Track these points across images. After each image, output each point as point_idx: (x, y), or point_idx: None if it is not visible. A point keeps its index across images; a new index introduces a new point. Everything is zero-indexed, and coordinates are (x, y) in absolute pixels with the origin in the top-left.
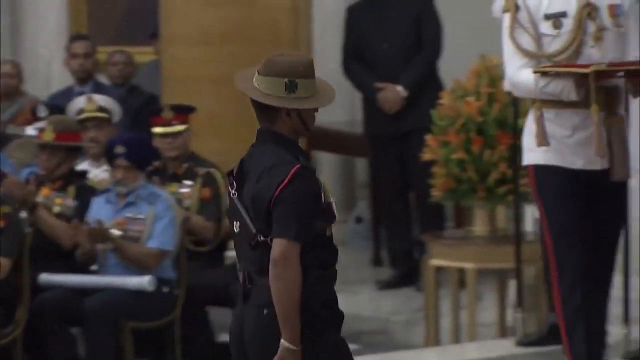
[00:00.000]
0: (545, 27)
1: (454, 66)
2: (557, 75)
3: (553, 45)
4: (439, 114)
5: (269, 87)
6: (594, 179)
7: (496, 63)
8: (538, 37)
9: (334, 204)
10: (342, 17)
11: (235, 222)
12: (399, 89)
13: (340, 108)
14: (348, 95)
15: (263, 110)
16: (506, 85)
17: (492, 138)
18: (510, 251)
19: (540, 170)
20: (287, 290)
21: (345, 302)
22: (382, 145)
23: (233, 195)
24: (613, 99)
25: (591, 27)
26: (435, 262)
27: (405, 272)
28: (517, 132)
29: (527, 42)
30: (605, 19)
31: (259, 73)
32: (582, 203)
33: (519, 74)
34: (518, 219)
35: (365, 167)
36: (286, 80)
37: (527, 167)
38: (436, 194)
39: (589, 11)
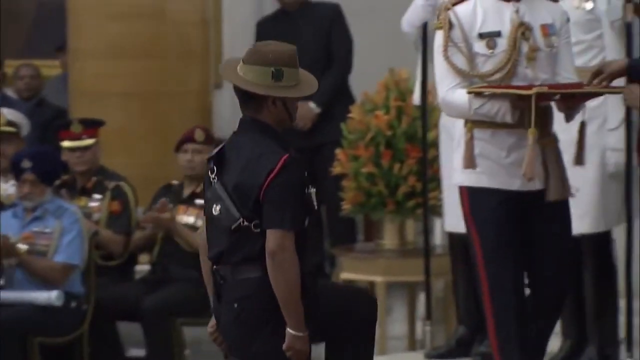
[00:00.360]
0: (479, 47)
1: (363, 80)
2: (492, 96)
3: (487, 65)
4: (349, 127)
5: (256, 76)
6: (532, 199)
7: (405, 77)
8: (472, 57)
9: (313, 194)
10: (252, 30)
11: (214, 206)
12: (312, 105)
13: None
14: None
15: (248, 99)
16: (439, 104)
17: (401, 152)
18: (420, 264)
19: (473, 192)
20: (288, 280)
21: None
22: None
23: (213, 179)
24: (546, 119)
25: (525, 47)
26: (346, 275)
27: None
28: (426, 146)
29: (461, 61)
30: (539, 39)
31: (244, 62)
32: (518, 225)
33: (452, 94)
34: (427, 232)
35: None
36: (272, 68)
37: (460, 187)
38: (346, 207)
39: (523, 31)
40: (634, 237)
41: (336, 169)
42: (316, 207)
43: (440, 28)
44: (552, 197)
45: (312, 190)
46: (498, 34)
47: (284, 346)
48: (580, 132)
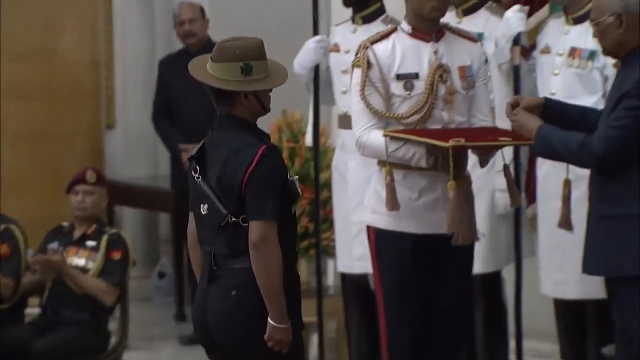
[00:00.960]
0: (397, 88)
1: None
2: (408, 140)
3: (403, 107)
4: None
5: (225, 73)
6: (439, 241)
7: (297, 118)
8: (389, 97)
9: (296, 181)
10: (144, 69)
11: (202, 205)
12: None
13: (143, 163)
14: (151, 150)
15: (220, 96)
16: (355, 144)
17: None
18: (312, 305)
19: (380, 234)
20: (271, 270)
21: (148, 358)
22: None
23: (197, 179)
24: (460, 162)
25: (442, 90)
26: None
27: None
28: (318, 187)
29: (377, 102)
30: (456, 81)
31: (212, 60)
32: (423, 267)
33: (368, 135)
34: (320, 273)
35: (168, 222)
36: (241, 64)
37: (368, 226)
38: None
39: (440, 73)
40: (523, 278)
41: None
42: (300, 194)
43: (359, 66)
44: (459, 241)
45: (295, 177)
46: (415, 75)
47: (265, 336)
48: (506, 174)
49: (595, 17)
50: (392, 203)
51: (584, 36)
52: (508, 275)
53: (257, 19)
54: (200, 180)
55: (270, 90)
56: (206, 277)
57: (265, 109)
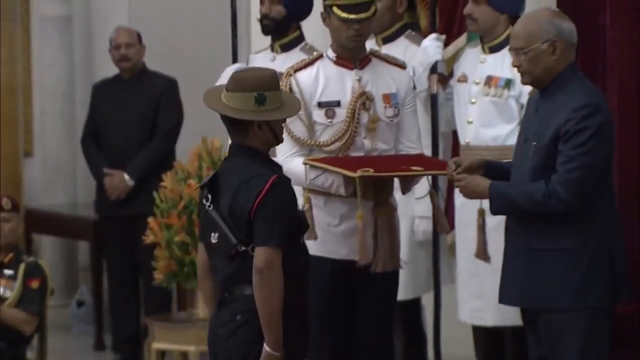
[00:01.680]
0: (318, 116)
1: (176, 149)
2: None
3: (325, 134)
4: (161, 196)
5: (239, 103)
6: (359, 268)
7: (217, 146)
8: (311, 125)
9: (307, 213)
10: (62, 98)
11: (212, 234)
12: (126, 177)
13: (62, 191)
14: (69, 178)
15: (234, 125)
16: None
17: None
18: None
19: None
20: (271, 297)
21: None
22: (111, 227)
23: (209, 207)
24: (384, 189)
25: (365, 118)
26: (158, 345)
27: (129, 357)
28: None
29: (300, 129)
30: (380, 109)
31: (227, 90)
32: (344, 293)
33: (290, 162)
34: None
35: (87, 250)
36: (255, 94)
37: None
38: (158, 277)
39: (363, 101)
40: (442, 304)
41: (149, 238)
42: (310, 226)
43: None
44: (379, 268)
45: (306, 210)
46: (337, 103)
47: None
48: (432, 201)
49: (525, 46)
50: (312, 232)
51: (500, 65)
52: (427, 302)
53: (177, 46)
54: (211, 208)
55: (284, 121)
56: (218, 303)
57: (278, 139)
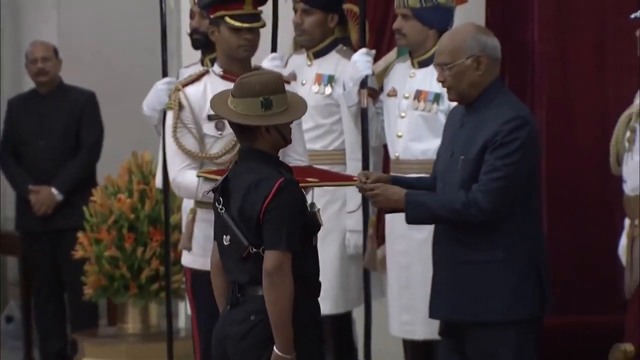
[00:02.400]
0: (209, 128)
1: (106, 163)
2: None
3: (216, 147)
4: (91, 211)
5: (246, 108)
6: None
7: (148, 160)
8: (202, 138)
9: (318, 212)
10: None
11: (225, 236)
12: (54, 192)
13: None
14: None
15: (243, 130)
16: (172, 186)
17: (144, 235)
18: (163, 348)
19: (195, 274)
20: (281, 300)
21: None
22: (35, 243)
23: (220, 210)
24: None
25: None
26: None
27: None
28: (168, 229)
29: (190, 143)
30: None
31: (233, 96)
32: None
33: (183, 175)
34: (170, 315)
35: (15, 265)
36: (261, 98)
37: (184, 267)
38: (88, 292)
39: None
40: (373, 318)
41: (78, 253)
42: (321, 224)
43: (171, 109)
44: None
45: (317, 209)
46: None
47: None
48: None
49: (450, 61)
50: (186, 241)
51: (429, 79)
52: (359, 316)
53: (106, 60)
54: (223, 211)
55: (291, 122)
56: (229, 303)
57: (286, 141)
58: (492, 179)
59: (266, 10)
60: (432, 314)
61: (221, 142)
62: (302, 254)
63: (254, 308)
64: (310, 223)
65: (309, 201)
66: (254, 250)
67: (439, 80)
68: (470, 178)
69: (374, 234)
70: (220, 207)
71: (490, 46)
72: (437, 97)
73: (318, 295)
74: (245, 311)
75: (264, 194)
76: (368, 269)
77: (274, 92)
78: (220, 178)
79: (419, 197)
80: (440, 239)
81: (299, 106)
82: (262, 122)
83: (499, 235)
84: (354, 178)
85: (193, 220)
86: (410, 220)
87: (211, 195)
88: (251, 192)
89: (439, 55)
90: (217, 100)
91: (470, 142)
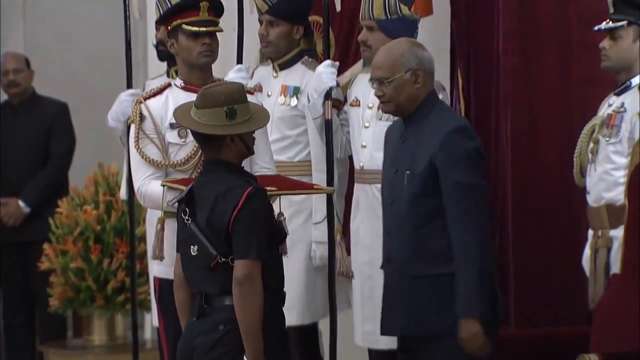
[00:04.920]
0: (172, 136)
1: (72, 174)
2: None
3: (180, 154)
4: (57, 222)
5: (211, 118)
6: None
7: (114, 171)
8: (165, 147)
9: (284, 221)
10: None
11: (192, 247)
12: (21, 204)
13: None
14: None
15: (207, 141)
16: (137, 196)
17: (110, 246)
18: (129, 359)
19: (163, 284)
20: (251, 308)
21: None
22: (6, 254)
23: (187, 221)
24: None
25: None
26: None
27: None
28: (134, 240)
29: (153, 152)
30: None
31: (197, 107)
32: None
33: (147, 185)
34: (136, 327)
35: None
36: (226, 108)
37: (154, 277)
38: (54, 303)
39: None
40: (339, 328)
41: (44, 265)
42: (287, 233)
43: (133, 121)
44: None
45: (283, 218)
46: None
47: None
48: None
49: (389, 75)
50: (158, 251)
51: None
52: (324, 327)
53: (72, 72)
54: (189, 222)
55: (254, 132)
56: (195, 314)
57: (250, 151)
58: (465, 211)
59: (232, 21)
60: (384, 330)
61: (185, 149)
62: (269, 262)
63: (222, 318)
64: (276, 232)
65: (276, 210)
66: (223, 259)
67: (377, 95)
68: (420, 191)
69: (341, 240)
70: (187, 217)
71: (426, 60)
72: None
73: (283, 304)
74: (213, 321)
75: (233, 203)
76: (345, 277)
77: (237, 101)
78: (184, 188)
79: (466, 296)
80: (392, 257)
81: (262, 115)
82: (227, 131)
83: (449, 248)
84: (322, 187)
85: (162, 229)
86: (482, 312)
87: (176, 205)
88: (219, 202)
89: (377, 69)
90: (180, 112)
91: (414, 157)
